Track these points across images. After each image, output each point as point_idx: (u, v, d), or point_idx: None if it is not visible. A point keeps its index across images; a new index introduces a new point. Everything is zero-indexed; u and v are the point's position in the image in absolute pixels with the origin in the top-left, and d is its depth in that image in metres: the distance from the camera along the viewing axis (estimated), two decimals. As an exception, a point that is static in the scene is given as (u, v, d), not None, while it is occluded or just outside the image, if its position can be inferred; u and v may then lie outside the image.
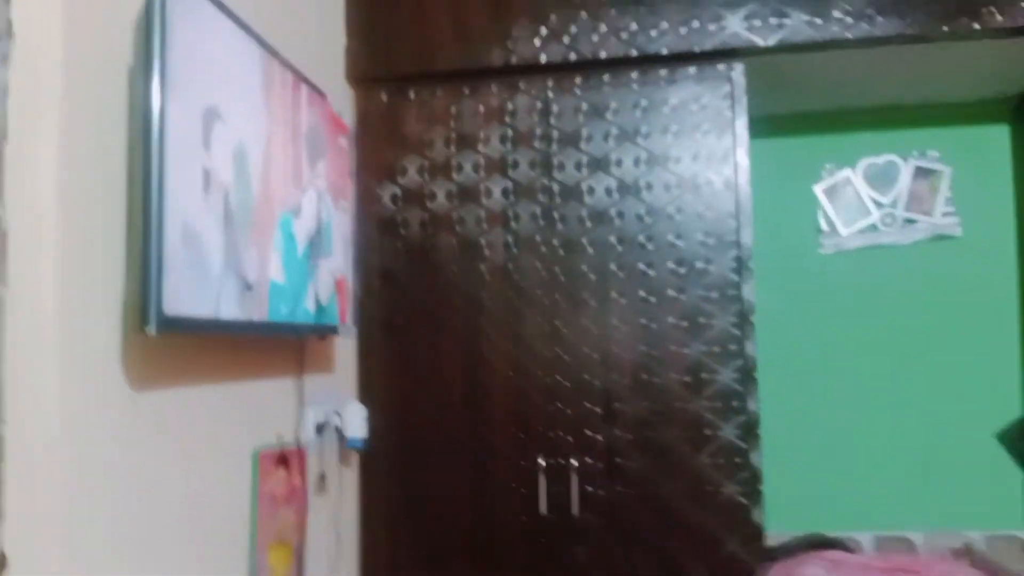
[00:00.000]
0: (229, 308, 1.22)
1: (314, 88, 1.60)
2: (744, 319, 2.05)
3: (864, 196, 2.60)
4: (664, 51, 2.09)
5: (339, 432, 1.93)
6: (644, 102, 2.13)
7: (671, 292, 2.08)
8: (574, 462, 2.07)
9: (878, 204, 2.60)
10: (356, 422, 1.95)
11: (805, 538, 2.50)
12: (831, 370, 2.59)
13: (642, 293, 2.09)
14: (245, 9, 1.34)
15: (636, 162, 2.12)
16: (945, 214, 2.56)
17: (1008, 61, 2.23)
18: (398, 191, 2.18)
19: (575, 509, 2.06)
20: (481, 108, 2.17)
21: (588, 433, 2.08)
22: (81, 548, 1.04)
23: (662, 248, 2.09)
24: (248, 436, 1.53)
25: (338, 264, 1.71)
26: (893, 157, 2.60)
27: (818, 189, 2.63)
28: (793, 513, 2.55)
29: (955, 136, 2.57)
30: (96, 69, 1.06)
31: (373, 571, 2.12)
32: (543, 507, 2.06)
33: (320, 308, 1.60)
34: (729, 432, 2.04)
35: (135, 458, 1.15)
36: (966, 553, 2.48)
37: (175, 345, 1.23)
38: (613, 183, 2.12)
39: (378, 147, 2.19)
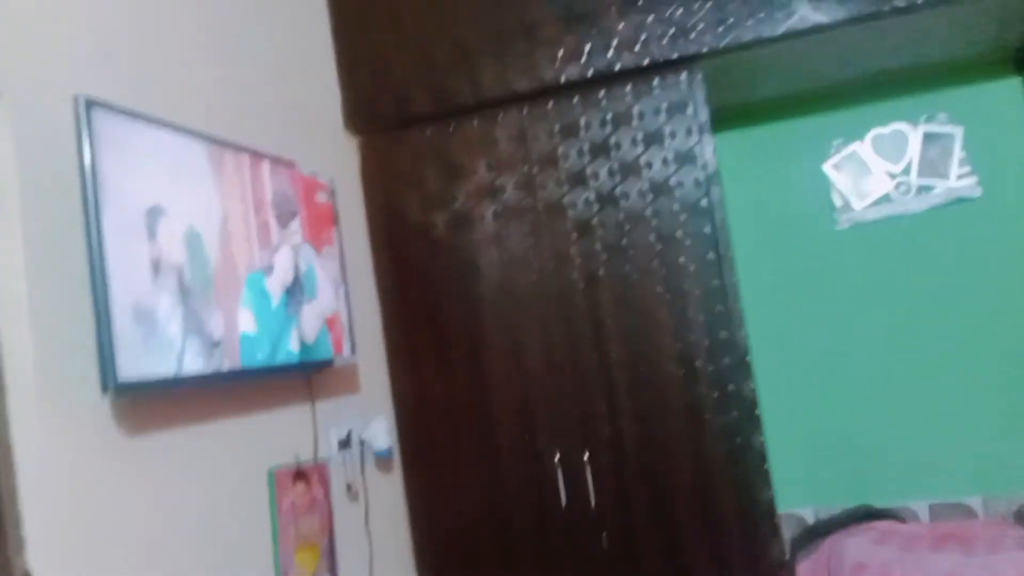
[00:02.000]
0: (194, 364, 1.51)
1: (278, 160, 1.87)
2: (729, 307, 2.14)
3: (875, 168, 2.59)
4: (618, 68, 2.22)
5: (366, 444, 2.20)
6: (610, 116, 2.26)
7: (658, 289, 2.21)
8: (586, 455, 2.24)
9: (891, 174, 2.57)
10: (380, 435, 2.22)
11: (855, 510, 2.54)
12: (869, 342, 2.60)
13: (629, 295, 2.23)
14: (198, 106, 1.63)
15: (610, 173, 2.26)
16: (961, 176, 2.51)
17: (1004, 7, 2.16)
18: (403, 222, 2.43)
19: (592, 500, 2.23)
20: (466, 141, 2.38)
21: (595, 428, 2.24)
22: (97, 568, 1.35)
23: (642, 250, 2.22)
24: (263, 458, 1.82)
25: (326, 304, 1.98)
26: (901, 125, 2.57)
27: (828, 166, 2.63)
28: (845, 486, 2.58)
29: (962, 95, 2.51)
30: (49, 190, 1.37)
31: (425, 562, 2.40)
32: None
33: (305, 347, 1.87)
34: (728, 417, 2.14)
35: (142, 488, 1.45)
36: (1022, 517, 2.43)
37: (167, 397, 1.54)
38: (592, 195, 2.27)
39: (380, 185, 2.46)
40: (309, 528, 1.92)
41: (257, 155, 1.80)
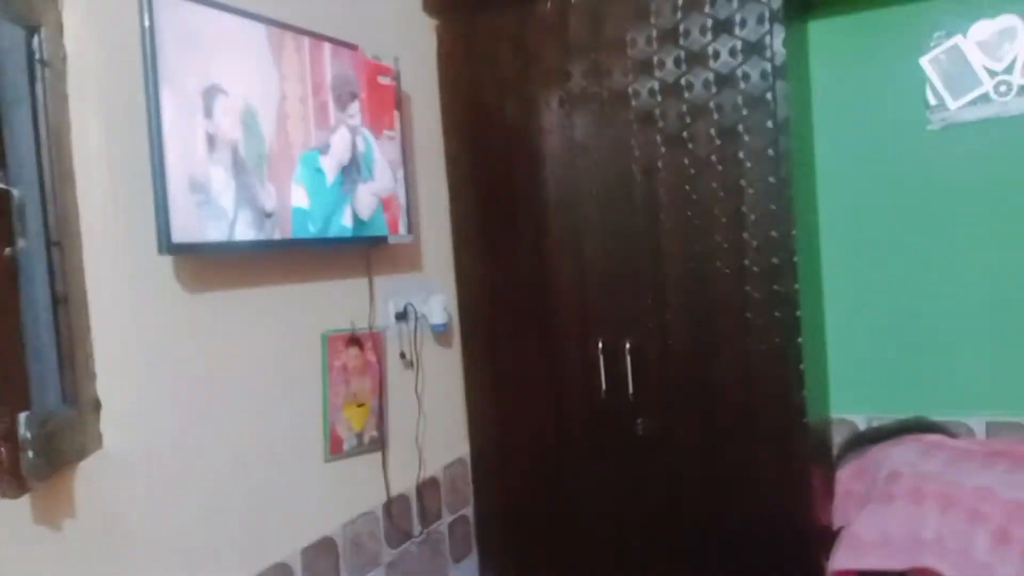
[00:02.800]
0: (246, 232, 1.68)
1: (341, 43, 1.96)
2: (782, 206, 2.12)
3: (976, 64, 2.41)
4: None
5: (423, 318, 2.37)
6: (681, 1, 2.20)
7: (714, 184, 2.20)
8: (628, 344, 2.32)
9: (991, 72, 2.39)
10: (436, 310, 2.38)
11: (907, 421, 2.52)
12: (945, 250, 2.49)
13: (685, 189, 2.23)
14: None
15: (676, 62, 2.22)
16: (1072, 78, 2.30)
17: None
18: (475, 106, 2.49)
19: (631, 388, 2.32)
20: (540, 25, 2.38)
21: (642, 319, 2.30)
22: (157, 399, 1.58)
23: (702, 142, 2.20)
24: (318, 322, 2.01)
25: (383, 185, 2.10)
26: (1012, 17, 2.36)
27: (924, 61, 2.47)
28: (903, 397, 2.56)
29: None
30: (119, 68, 1.52)
31: (477, 430, 2.59)
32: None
33: (360, 223, 2.01)
34: (770, 316, 2.15)
35: (199, 337, 1.66)
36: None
37: (221, 260, 1.72)
38: (656, 85, 2.25)
39: (455, 68, 2.52)
40: (359, 388, 2.12)
41: (318, 38, 1.90)
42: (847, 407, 2.62)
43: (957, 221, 2.46)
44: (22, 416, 1.36)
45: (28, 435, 1.36)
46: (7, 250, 1.31)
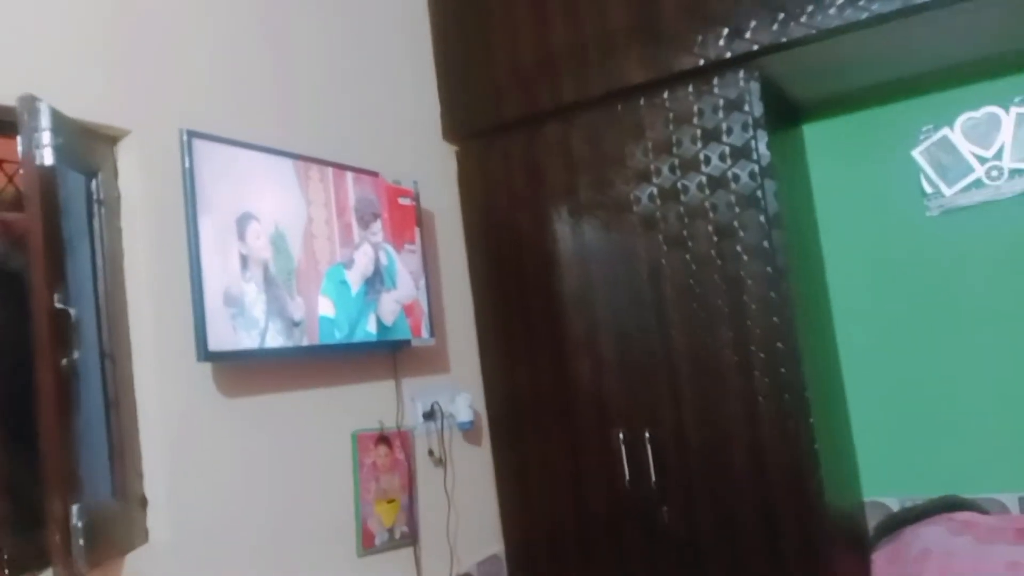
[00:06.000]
0: (275, 340, 1.88)
1: (363, 171, 2.22)
2: (781, 294, 2.23)
3: (965, 152, 2.54)
4: (681, 68, 2.36)
5: (450, 417, 2.51)
6: (671, 115, 2.41)
7: (716, 278, 2.33)
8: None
9: (981, 159, 2.51)
10: (463, 409, 2.52)
11: (940, 500, 2.52)
12: (961, 330, 2.56)
13: (688, 285, 2.37)
14: (283, 129, 2.02)
15: (672, 169, 2.40)
16: (1058, 158, 2.41)
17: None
18: (494, 221, 2.71)
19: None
20: (547, 145, 2.61)
21: (658, 412, 2.40)
22: (198, 497, 1.75)
23: (701, 240, 2.35)
24: (348, 423, 2.18)
25: (405, 293, 2.30)
26: (993, 108, 2.50)
27: (916, 153, 2.61)
28: (933, 477, 2.57)
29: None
30: (164, 204, 1.78)
31: (511, 526, 2.67)
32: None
33: (384, 328, 2.20)
34: (780, 401, 2.23)
35: (236, 439, 1.84)
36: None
37: (254, 366, 1.92)
38: (655, 190, 2.43)
39: (474, 188, 2.76)
40: (390, 485, 2.25)
41: (342, 167, 2.15)
42: (879, 490, 2.63)
43: (964, 300, 2.53)
44: (75, 507, 1.53)
45: (79, 524, 1.52)
46: (64, 360, 1.52)
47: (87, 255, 1.65)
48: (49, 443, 1.49)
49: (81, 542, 1.54)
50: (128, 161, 1.75)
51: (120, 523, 1.66)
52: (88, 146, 1.67)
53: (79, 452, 1.57)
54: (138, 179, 1.75)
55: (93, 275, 1.66)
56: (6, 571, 1.60)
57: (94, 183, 1.67)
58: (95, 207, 1.67)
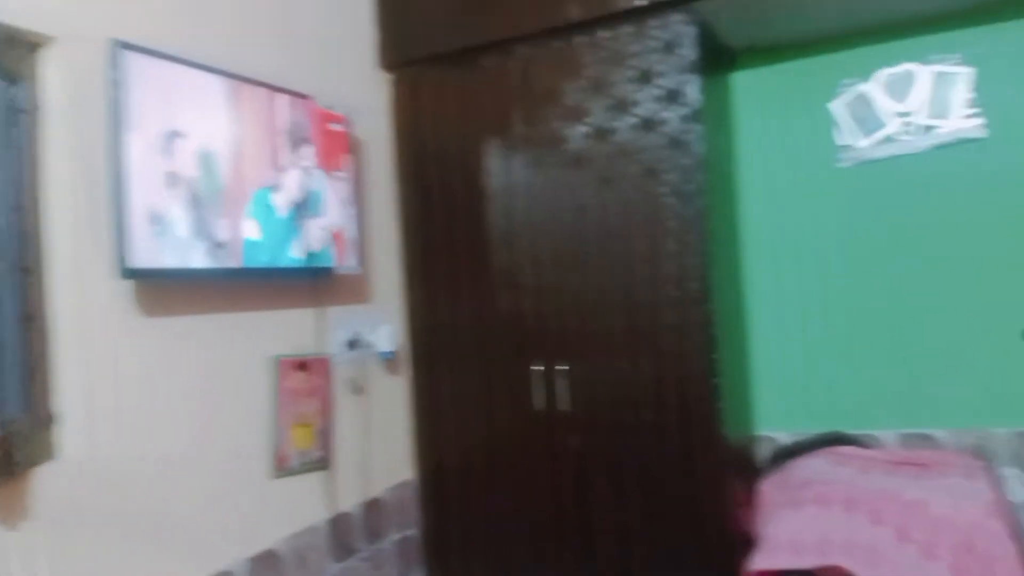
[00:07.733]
0: (198, 260, 1.86)
1: (296, 94, 2.17)
2: (698, 237, 2.31)
3: (882, 108, 2.64)
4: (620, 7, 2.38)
5: (371, 346, 2.54)
6: (608, 55, 2.43)
7: (638, 219, 2.40)
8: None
9: (898, 114, 2.63)
10: (384, 339, 2.55)
11: (822, 435, 2.71)
12: (860, 276, 2.70)
13: (612, 224, 2.43)
14: (218, 45, 1.96)
15: (605, 109, 2.44)
16: (968, 116, 2.54)
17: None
18: (424, 152, 2.70)
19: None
20: (482, 78, 2.61)
21: (573, 344, 2.49)
22: (113, 415, 1.73)
23: (628, 180, 2.41)
24: (269, 347, 2.18)
25: (332, 220, 2.29)
26: (911, 65, 2.61)
27: (833, 106, 2.71)
28: (822, 414, 2.74)
29: (976, 36, 2.52)
30: (88, 114, 1.71)
31: (423, 454, 2.74)
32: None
33: (311, 254, 2.20)
34: (686, 342, 2.33)
35: (155, 358, 1.83)
36: (979, 449, 2.52)
37: (176, 286, 1.90)
38: (588, 129, 2.46)
39: (407, 117, 2.74)
40: (307, 409, 2.28)
41: (273, 89, 2.10)
42: (771, 424, 2.80)
43: (865, 249, 2.68)
44: (-16, 421, 1.51)
45: (-10, 438, 1.50)
46: (-20, 273, 1.48)
47: (3, 164, 1.59)
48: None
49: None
50: (52, 70, 1.68)
51: (28, 438, 1.64)
52: (9, 52, 1.59)
53: (-6, 366, 1.54)
54: (61, 89, 1.68)
55: (10, 186, 1.60)
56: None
57: (14, 90, 1.60)
58: (15, 115, 1.60)
